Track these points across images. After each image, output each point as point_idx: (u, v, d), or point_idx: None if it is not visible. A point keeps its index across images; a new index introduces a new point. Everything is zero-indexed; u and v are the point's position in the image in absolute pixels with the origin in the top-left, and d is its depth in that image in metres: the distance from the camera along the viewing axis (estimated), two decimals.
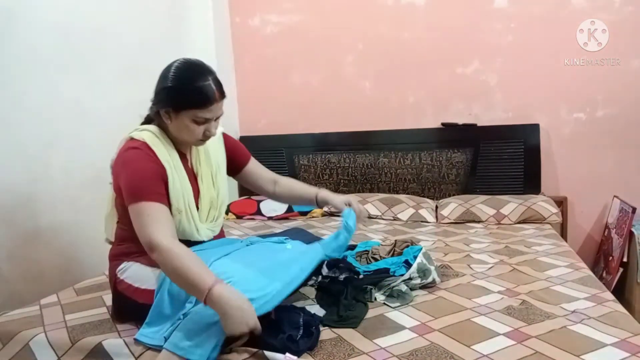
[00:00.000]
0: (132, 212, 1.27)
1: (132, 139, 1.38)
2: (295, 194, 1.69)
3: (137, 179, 1.29)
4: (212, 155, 1.52)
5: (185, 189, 1.39)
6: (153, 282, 1.34)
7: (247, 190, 3.35)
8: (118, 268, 1.43)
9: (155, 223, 1.23)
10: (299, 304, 1.49)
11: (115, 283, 1.43)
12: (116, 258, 1.46)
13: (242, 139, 3.46)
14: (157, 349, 1.22)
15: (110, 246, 1.53)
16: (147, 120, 1.46)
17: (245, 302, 1.14)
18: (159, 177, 1.32)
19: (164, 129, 1.41)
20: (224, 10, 3.36)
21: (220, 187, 1.53)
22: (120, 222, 1.47)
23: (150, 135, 1.37)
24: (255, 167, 1.67)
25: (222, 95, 1.37)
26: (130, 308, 1.39)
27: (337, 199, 1.61)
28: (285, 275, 1.30)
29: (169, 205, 1.34)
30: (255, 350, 1.19)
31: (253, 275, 1.25)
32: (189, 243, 1.38)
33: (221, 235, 1.60)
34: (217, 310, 1.12)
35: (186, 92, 1.32)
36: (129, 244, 1.43)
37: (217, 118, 1.39)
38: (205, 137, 1.39)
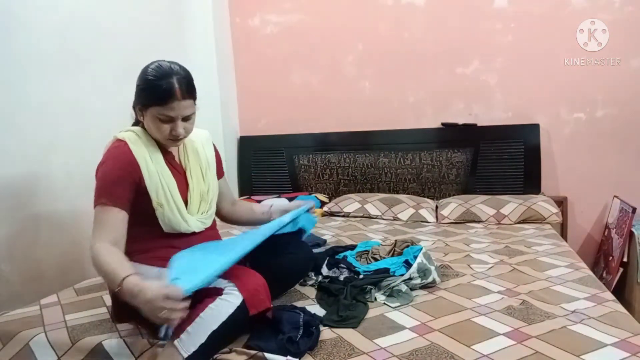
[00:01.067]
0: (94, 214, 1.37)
1: (117, 139, 1.44)
2: (252, 211, 1.80)
3: (101, 183, 1.37)
4: (200, 153, 1.58)
5: (166, 182, 1.43)
6: (152, 280, 1.34)
7: (247, 190, 3.41)
8: None
9: (99, 228, 1.32)
10: (299, 304, 1.50)
11: None
12: None
13: (242, 139, 3.46)
14: (159, 346, 1.22)
15: None
16: (137, 121, 1.52)
17: (151, 292, 1.11)
18: (124, 180, 1.37)
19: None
20: (224, 10, 3.36)
21: (211, 182, 1.59)
22: None
23: (130, 134, 1.44)
24: (223, 185, 1.73)
25: (186, 95, 1.38)
26: (130, 308, 1.39)
27: (293, 202, 1.76)
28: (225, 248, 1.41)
29: (143, 202, 1.40)
30: (254, 352, 1.19)
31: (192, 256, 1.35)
32: (180, 235, 1.46)
33: (213, 230, 1.62)
34: (129, 301, 1.16)
35: (148, 89, 1.38)
36: (128, 243, 1.43)
37: (186, 119, 1.41)
38: (173, 136, 1.41)
